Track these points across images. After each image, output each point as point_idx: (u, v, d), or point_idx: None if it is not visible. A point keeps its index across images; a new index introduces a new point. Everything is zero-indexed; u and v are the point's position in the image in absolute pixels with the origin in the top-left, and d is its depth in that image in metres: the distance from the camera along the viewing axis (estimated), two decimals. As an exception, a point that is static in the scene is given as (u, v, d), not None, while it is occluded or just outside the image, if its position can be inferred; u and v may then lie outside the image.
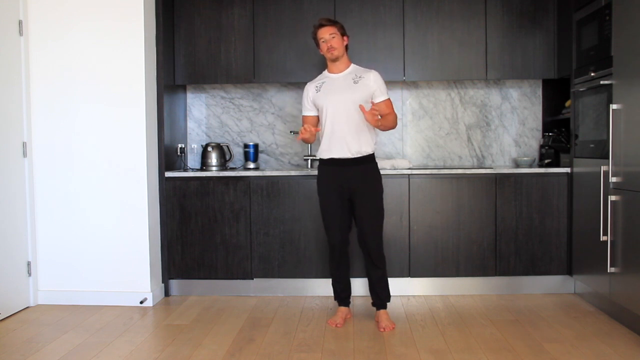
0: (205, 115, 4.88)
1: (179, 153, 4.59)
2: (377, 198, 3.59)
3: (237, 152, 4.85)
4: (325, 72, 3.69)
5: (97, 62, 4.04)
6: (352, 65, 3.65)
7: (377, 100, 3.53)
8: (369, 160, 3.57)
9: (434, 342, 3.27)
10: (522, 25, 4.44)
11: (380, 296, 3.65)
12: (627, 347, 3.16)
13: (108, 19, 4.01)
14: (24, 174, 4.03)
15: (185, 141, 4.82)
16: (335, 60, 3.57)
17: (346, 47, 3.62)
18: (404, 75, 4.47)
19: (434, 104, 4.82)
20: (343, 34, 3.59)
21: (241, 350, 3.18)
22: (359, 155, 3.52)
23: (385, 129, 3.56)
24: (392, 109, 3.61)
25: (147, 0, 4.07)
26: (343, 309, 3.72)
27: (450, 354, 3.08)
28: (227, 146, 4.73)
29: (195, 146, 4.87)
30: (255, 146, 4.72)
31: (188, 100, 4.89)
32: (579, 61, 4.04)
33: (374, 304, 3.68)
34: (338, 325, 3.58)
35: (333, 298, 3.85)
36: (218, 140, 4.86)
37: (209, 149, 4.57)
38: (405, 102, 4.81)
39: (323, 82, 3.63)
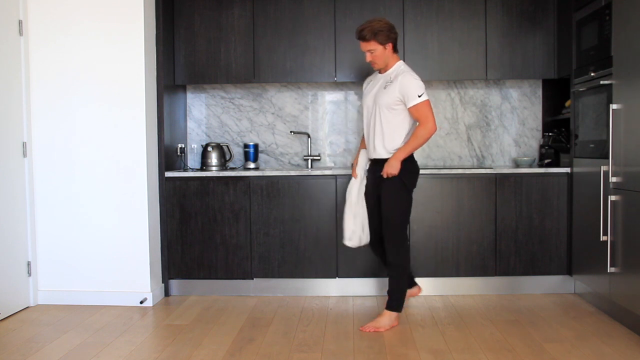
0: (205, 115, 4.88)
1: (179, 153, 4.59)
2: (392, 198, 3.53)
3: (237, 152, 4.85)
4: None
5: (97, 62, 4.03)
6: (396, 65, 3.56)
7: (408, 106, 3.46)
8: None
9: (434, 342, 3.27)
10: (522, 25, 4.44)
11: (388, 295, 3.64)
12: (627, 347, 3.16)
13: (108, 19, 4.01)
14: (24, 174, 4.03)
15: (185, 141, 4.82)
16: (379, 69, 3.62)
17: (394, 47, 3.55)
18: (404, 75, 4.47)
19: (433, 104, 4.81)
20: (383, 42, 3.48)
21: (241, 350, 3.18)
22: (383, 157, 3.55)
23: (418, 147, 3.52)
24: (422, 113, 3.43)
25: (147, 0, 4.07)
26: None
27: (450, 354, 3.08)
28: (227, 146, 4.73)
29: (195, 146, 4.87)
30: (255, 146, 4.72)
31: (188, 100, 4.89)
32: (579, 61, 4.04)
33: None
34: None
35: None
36: (218, 140, 4.86)
37: (209, 149, 4.57)
38: (405, 102, 4.81)
39: (371, 81, 3.70)
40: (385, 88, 3.52)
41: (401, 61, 3.60)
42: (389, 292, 3.59)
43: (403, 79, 3.46)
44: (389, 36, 3.49)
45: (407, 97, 3.44)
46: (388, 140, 3.53)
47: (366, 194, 3.69)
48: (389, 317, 3.53)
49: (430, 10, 4.44)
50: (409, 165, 3.56)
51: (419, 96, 3.43)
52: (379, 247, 3.72)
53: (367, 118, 3.64)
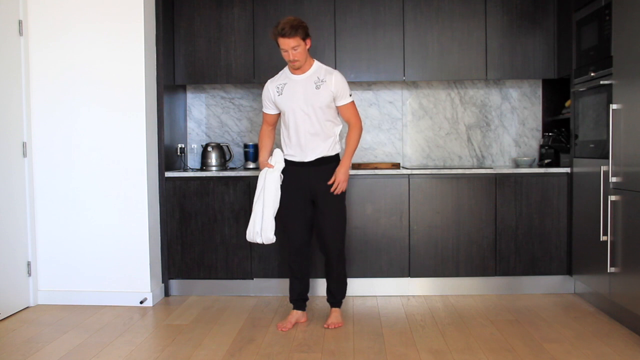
0: (205, 115, 4.88)
1: (179, 153, 4.59)
2: (339, 210, 3.58)
3: (237, 152, 4.85)
4: (287, 71, 3.57)
5: (97, 62, 4.03)
6: (315, 65, 3.53)
7: (338, 104, 3.50)
8: (332, 161, 3.56)
9: (434, 342, 3.28)
10: (522, 25, 4.44)
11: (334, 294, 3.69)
12: (627, 347, 3.16)
13: (108, 19, 4.01)
14: (24, 174, 4.03)
15: (185, 141, 4.82)
16: (297, 68, 3.50)
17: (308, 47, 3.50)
18: (404, 75, 4.48)
19: (434, 104, 4.82)
20: (304, 38, 3.38)
21: (241, 350, 3.18)
22: (321, 156, 3.52)
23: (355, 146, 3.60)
24: (353, 113, 3.55)
25: (147, 0, 4.07)
26: (297, 312, 3.65)
27: (450, 354, 3.08)
28: (227, 146, 4.73)
29: (195, 146, 4.87)
30: (255, 146, 4.71)
31: (188, 101, 4.89)
32: (579, 61, 4.04)
33: (328, 301, 3.70)
34: (283, 329, 3.49)
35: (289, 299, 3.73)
36: (218, 140, 4.86)
37: (209, 149, 4.57)
38: (405, 102, 4.81)
39: (285, 84, 3.53)
40: (318, 88, 3.46)
41: (317, 61, 3.59)
42: (337, 294, 3.66)
43: (337, 77, 3.50)
44: (307, 32, 3.41)
45: (340, 95, 3.50)
46: (331, 140, 3.53)
47: (289, 198, 3.55)
48: (340, 313, 3.66)
49: (430, 10, 4.44)
50: None
51: (350, 95, 3.54)
52: (303, 256, 3.65)
53: (297, 122, 3.48)
